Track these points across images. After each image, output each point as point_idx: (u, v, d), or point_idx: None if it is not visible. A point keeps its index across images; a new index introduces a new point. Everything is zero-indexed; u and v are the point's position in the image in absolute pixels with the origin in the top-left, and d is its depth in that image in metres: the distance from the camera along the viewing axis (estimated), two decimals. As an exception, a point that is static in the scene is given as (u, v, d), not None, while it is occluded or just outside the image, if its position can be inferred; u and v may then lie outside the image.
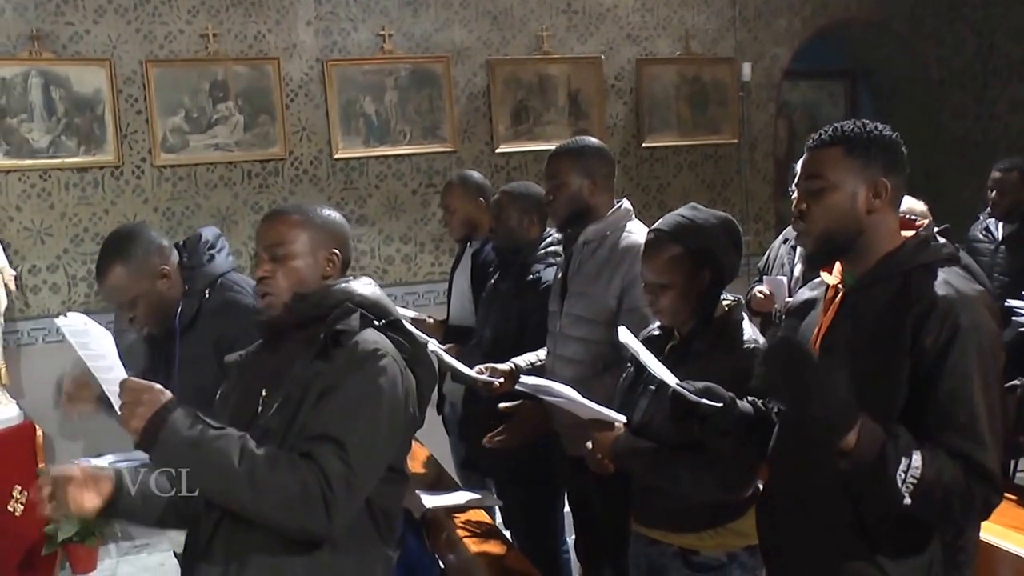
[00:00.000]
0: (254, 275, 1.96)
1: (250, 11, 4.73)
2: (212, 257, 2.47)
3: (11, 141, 4.38)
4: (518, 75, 5.20)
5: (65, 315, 1.72)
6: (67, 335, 1.70)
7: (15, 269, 4.32)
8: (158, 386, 1.61)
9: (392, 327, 1.80)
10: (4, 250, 4.27)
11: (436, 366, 1.90)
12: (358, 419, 1.64)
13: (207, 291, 2.41)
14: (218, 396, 1.90)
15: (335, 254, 1.85)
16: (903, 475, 1.50)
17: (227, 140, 4.71)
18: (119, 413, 1.60)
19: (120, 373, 1.64)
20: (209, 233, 2.53)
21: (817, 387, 1.50)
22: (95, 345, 1.67)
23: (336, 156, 4.90)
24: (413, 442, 3.50)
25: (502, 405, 2.59)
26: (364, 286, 1.85)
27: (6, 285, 4.21)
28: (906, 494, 1.50)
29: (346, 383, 1.66)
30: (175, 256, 2.44)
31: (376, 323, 1.78)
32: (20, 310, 4.42)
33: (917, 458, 1.50)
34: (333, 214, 1.91)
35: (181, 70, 4.63)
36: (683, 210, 2.18)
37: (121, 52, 4.54)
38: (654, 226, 2.18)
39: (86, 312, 4.35)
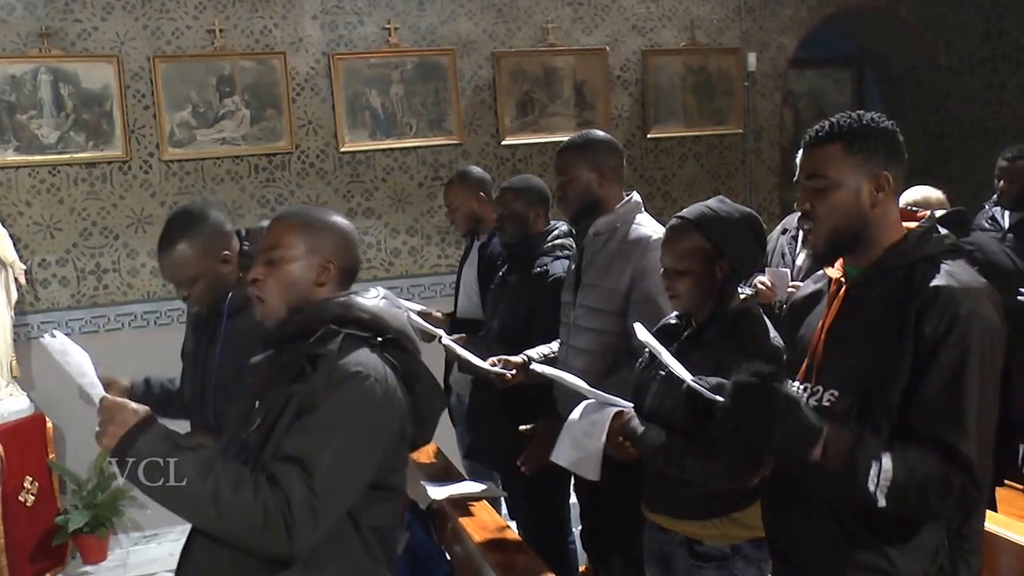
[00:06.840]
0: None
1: (256, 6, 4.74)
2: None
3: (21, 137, 4.42)
4: (523, 67, 5.21)
5: (52, 335, 1.79)
6: (52, 352, 1.77)
7: (25, 263, 4.36)
8: (132, 405, 1.63)
9: (390, 345, 1.76)
10: (14, 244, 4.31)
11: (435, 365, 1.90)
12: (329, 442, 1.61)
13: None
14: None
15: (329, 263, 1.79)
16: (876, 479, 1.50)
17: (234, 134, 4.74)
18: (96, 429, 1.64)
19: (99, 391, 1.70)
20: None
21: (779, 418, 1.50)
22: (76, 364, 1.75)
23: (342, 149, 4.91)
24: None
25: (521, 428, 2.60)
26: (370, 299, 1.80)
27: (16, 279, 4.26)
28: (880, 497, 1.51)
29: (321, 405, 1.63)
30: (236, 242, 2.46)
31: (372, 342, 1.74)
32: (30, 303, 4.46)
33: (887, 461, 1.50)
34: (338, 221, 1.86)
35: (188, 65, 4.65)
36: (711, 201, 2.21)
37: (129, 48, 4.56)
38: (679, 213, 2.21)
39: (94, 306, 4.50)
